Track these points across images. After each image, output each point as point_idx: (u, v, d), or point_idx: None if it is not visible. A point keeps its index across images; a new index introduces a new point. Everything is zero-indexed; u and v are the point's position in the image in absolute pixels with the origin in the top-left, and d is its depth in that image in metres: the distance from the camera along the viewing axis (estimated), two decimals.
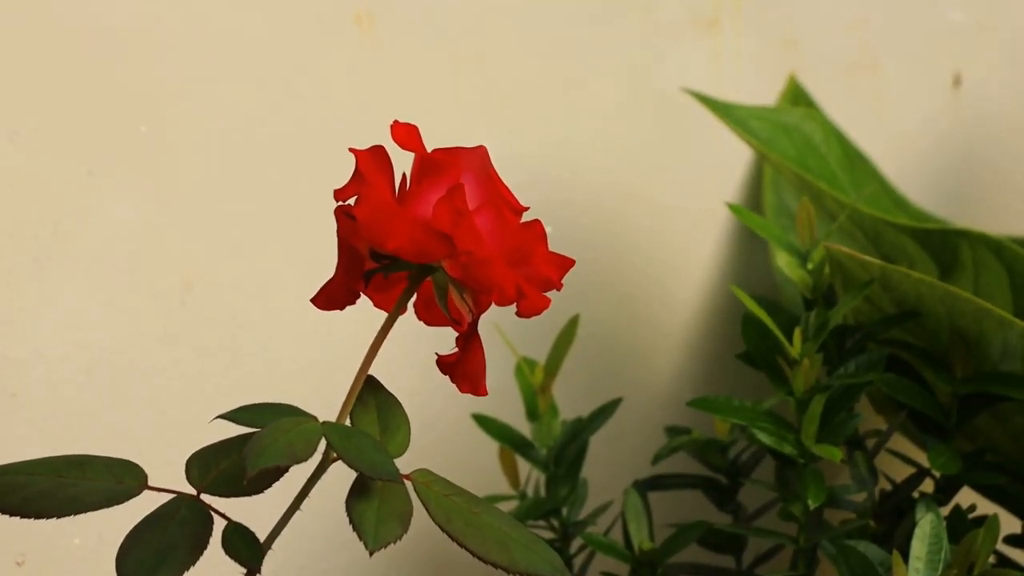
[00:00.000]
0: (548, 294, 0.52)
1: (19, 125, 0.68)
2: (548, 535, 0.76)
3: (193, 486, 0.52)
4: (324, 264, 0.54)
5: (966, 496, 0.75)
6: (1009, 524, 0.74)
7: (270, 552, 0.52)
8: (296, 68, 0.77)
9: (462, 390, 0.52)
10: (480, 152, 0.52)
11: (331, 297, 0.53)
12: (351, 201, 0.51)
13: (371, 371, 0.53)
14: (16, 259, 0.68)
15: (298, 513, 0.52)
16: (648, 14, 0.91)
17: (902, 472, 0.75)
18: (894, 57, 1.06)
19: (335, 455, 0.50)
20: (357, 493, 0.50)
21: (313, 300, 0.53)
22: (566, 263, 0.52)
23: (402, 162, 0.52)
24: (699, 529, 0.73)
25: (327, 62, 0.78)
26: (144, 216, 0.72)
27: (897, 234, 0.78)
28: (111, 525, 0.53)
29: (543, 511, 0.75)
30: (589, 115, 0.89)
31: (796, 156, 0.88)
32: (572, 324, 0.75)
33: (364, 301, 0.54)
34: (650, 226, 0.92)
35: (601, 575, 0.75)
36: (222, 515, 0.52)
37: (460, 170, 0.51)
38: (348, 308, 0.53)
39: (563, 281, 0.52)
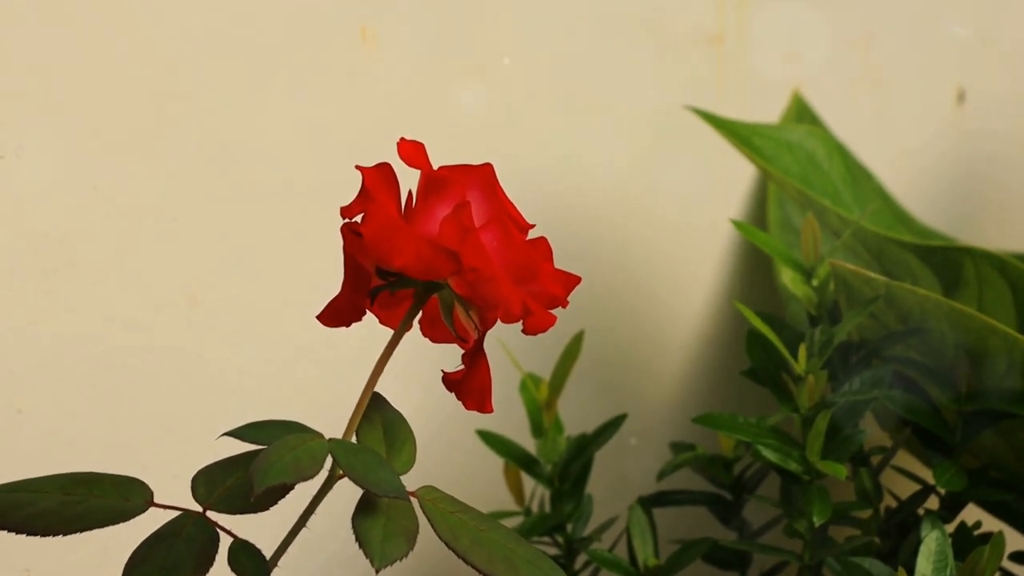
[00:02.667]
0: (553, 311, 0.52)
1: (25, 140, 0.68)
2: (553, 551, 0.76)
3: (199, 503, 0.52)
4: (330, 281, 0.54)
5: (971, 513, 0.75)
6: (1015, 541, 0.74)
7: (276, 569, 0.52)
8: (300, 83, 0.77)
9: (468, 407, 0.52)
10: (486, 169, 0.52)
11: (337, 314, 0.53)
12: (357, 218, 0.51)
13: (376, 388, 0.53)
14: (22, 273, 0.68)
15: (304, 530, 0.52)
16: (652, 30, 0.91)
17: (907, 489, 0.75)
18: (898, 72, 1.07)
19: (341, 472, 0.50)
20: (363, 510, 0.50)
21: (319, 317, 0.53)
22: (572, 280, 0.52)
23: (408, 179, 0.53)
24: (704, 545, 0.73)
25: (332, 77, 0.78)
26: (150, 232, 0.72)
27: (900, 251, 0.78)
28: (116, 541, 0.53)
29: (548, 527, 0.75)
30: (593, 131, 0.89)
31: (799, 173, 0.88)
32: (577, 340, 0.75)
33: (370, 318, 0.54)
34: (654, 242, 0.92)
35: None
36: (228, 532, 0.52)
37: (466, 187, 0.51)
38: (354, 325, 0.53)
39: (568, 298, 0.52)
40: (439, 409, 0.80)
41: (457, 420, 0.81)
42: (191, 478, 0.53)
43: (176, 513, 0.52)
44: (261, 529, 0.54)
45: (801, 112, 0.98)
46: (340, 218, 0.52)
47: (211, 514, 0.52)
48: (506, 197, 0.52)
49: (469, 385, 0.52)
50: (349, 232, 0.52)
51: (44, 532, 0.50)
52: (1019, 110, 1.13)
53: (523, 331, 0.51)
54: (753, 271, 0.97)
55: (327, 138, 0.78)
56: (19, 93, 0.68)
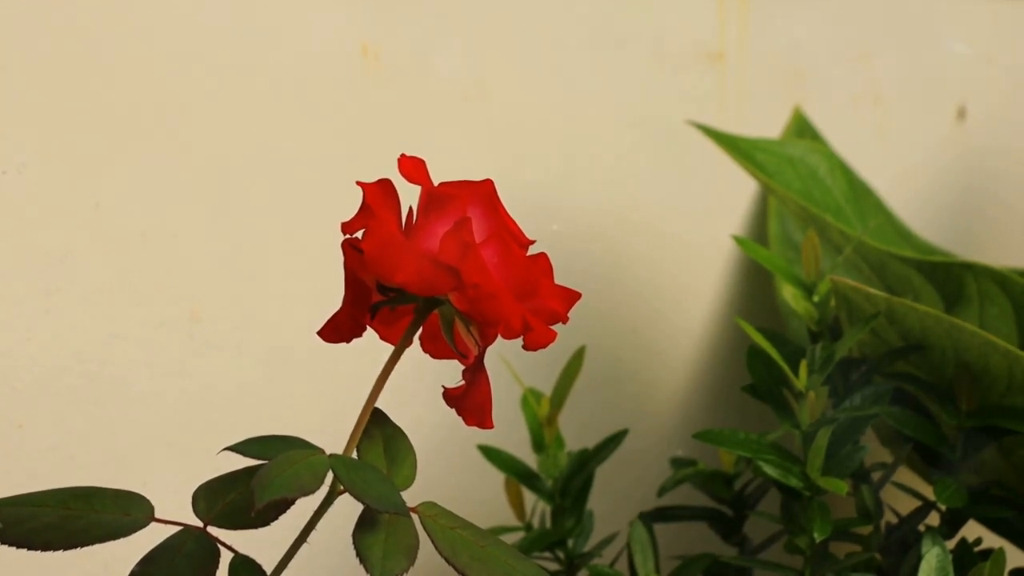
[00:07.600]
0: (554, 326, 0.52)
1: (28, 158, 0.68)
2: (554, 567, 0.76)
3: (200, 518, 0.52)
4: (331, 296, 0.54)
5: (972, 529, 0.75)
6: (1015, 557, 0.74)
7: None
8: (301, 99, 0.77)
9: (468, 423, 0.52)
10: (487, 185, 0.52)
11: (337, 329, 0.53)
12: (358, 234, 0.51)
13: (377, 403, 0.53)
14: (24, 290, 0.68)
15: (304, 546, 0.52)
16: (654, 47, 0.92)
17: (908, 505, 0.75)
18: (899, 90, 1.07)
19: (342, 487, 0.50)
20: (364, 526, 0.50)
21: (320, 332, 0.53)
22: (572, 296, 0.52)
23: (409, 195, 0.53)
24: (705, 561, 0.73)
25: (333, 94, 0.78)
26: (151, 248, 0.72)
27: (902, 266, 0.78)
28: (116, 556, 0.53)
29: (549, 543, 0.74)
30: (595, 147, 0.90)
31: (801, 188, 0.88)
32: (578, 356, 0.75)
33: (370, 333, 0.54)
34: (656, 258, 0.93)
35: None
36: (229, 547, 0.52)
37: (467, 203, 0.51)
38: (354, 341, 0.53)
39: (569, 313, 0.52)
40: (440, 424, 0.80)
41: (458, 435, 0.81)
42: (192, 493, 0.53)
43: (177, 528, 0.51)
44: (262, 545, 0.54)
45: (802, 128, 0.99)
46: (341, 234, 0.52)
47: (212, 529, 0.52)
48: (506, 213, 0.52)
49: (470, 401, 0.52)
50: (350, 248, 0.52)
51: (44, 547, 0.50)
52: (1019, 127, 1.14)
53: (524, 347, 0.51)
54: (754, 287, 0.97)
55: (328, 153, 0.78)
56: (21, 110, 0.68)
